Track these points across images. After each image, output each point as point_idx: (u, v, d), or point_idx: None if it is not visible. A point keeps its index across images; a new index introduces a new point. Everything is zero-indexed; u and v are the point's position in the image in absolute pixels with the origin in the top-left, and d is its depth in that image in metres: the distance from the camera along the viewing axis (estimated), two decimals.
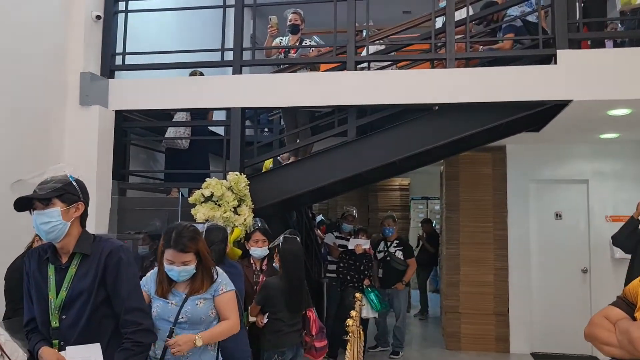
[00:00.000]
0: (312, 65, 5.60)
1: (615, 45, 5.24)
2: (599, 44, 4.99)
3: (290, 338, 3.77)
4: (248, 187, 4.68)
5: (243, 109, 5.08)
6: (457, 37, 4.79)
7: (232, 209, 4.53)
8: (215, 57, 5.31)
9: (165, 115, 5.83)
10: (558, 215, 7.02)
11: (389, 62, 5.59)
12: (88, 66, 5.00)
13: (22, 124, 4.46)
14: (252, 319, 3.89)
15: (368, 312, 6.29)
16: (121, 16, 5.30)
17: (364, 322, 6.41)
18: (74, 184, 2.26)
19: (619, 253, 5.97)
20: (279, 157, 6.00)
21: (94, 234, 2.32)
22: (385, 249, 6.83)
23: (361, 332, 4.68)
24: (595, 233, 6.77)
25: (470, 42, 4.86)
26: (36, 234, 2.98)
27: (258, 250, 4.16)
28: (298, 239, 4.00)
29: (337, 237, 7.06)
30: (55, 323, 2.19)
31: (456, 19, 4.80)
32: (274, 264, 4.07)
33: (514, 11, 5.35)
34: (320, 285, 6.86)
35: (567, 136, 6.22)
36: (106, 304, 2.23)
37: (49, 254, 2.26)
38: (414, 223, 12.00)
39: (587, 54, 4.54)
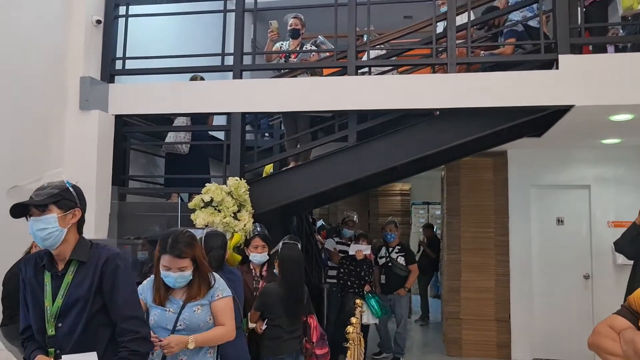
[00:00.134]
0: (313, 70, 5.58)
1: (617, 50, 5.23)
2: (600, 49, 4.98)
3: (290, 345, 3.73)
4: (248, 192, 4.66)
5: (243, 114, 5.06)
6: (458, 42, 4.78)
7: (232, 215, 4.51)
8: (216, 61, 5.30)
9: (166, 120, 5.82)
10: (560, 221, 6.99)
11: (390, 67, 5.57)
12: (88, 71, 4.99)
13: (21, 128, 4.44)
14: (251, 325, 3.86)
15: (369, 318, 6.26)
16: (121, 21, 5.29)
17: (365, 328, 6.38)
18: (71, 189, 2.23)
19: (621, 259, 5.94)
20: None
21: (91, 241, 2.30)
22: (387, 254, 6.80)
23: (361, 338, 4.64)
24: (597, 239, 6.73)
25: (471, 47, 4.85)
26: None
27: (258, 256, 4.13)
28: (298, 245, 3.98)
29: (337, 243, 7.03)
30: (51, 331, 2.17)
31: (457, 24, 4.78)
32: (274, 270, 4.04)
33: (516, 16, 5.34)
34: (321, 291, 6.83)
35: (568, 141, 6.20)
36: (103, 312, 2.20)
37: (45, 261, 2.23)
38: (414, 228, 11.97)
39: (589, 59, 4.51)
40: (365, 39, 5.31)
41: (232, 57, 5.08)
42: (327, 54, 5.47)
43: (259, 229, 4.36)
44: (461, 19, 5.12)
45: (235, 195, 4.56)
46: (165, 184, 5.94)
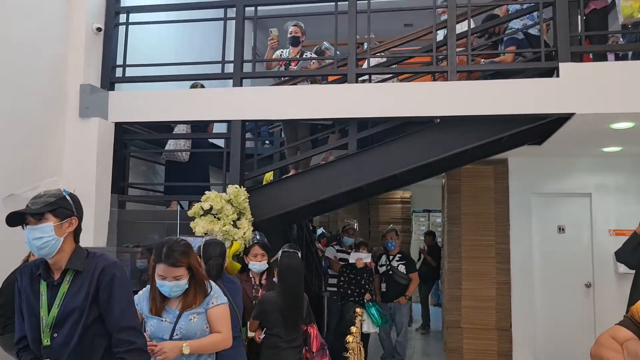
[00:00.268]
0: (313, 78, 5.58)
1: (617, 58, 5.22)
2: (601, 57, 4.97)
3: (288, 354, 3.70)
4: (247, 200, 4.64)
5: (243, 122, 5.05)
6: (458, 49, 4.78)
7: (232, 222, 4.49)
8: (216, 69, 5.30)
9: (166, 128, 5.81)
10: (561, 229, 6.96)
11: (390, 75, 5.56)
12: (88, 78, 4.99)
13: (21, 135, 4.43)
14: (250, 334, 3.83)
15: (369, 327, 6.22)
16: (122, 28, 5.29)
17: (365, 337, 6.34)
18: (68, 198, 2.20)
19: (622, 267, 5.89)
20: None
21: (87, 250, 2.27)
22: (388, 262, 6.77)
23: (361, 348, 4.61)
24: (598, 247, 6.70)
25: (472, 55, 4.84)
26: None
27: (257, 265, 4.10)
28: (298, 254, 3.95)
29: (338, 251, 7.01)
30: (46, 341, 2.13)
31: (458, 32, 4.78)
32: (273, 279, 4.02)
33: (516, 24, 5.34)
34: (321, 300, 6.80)
35: (569, 149, 6.18)
36: (99, 322, 2.17)
37: (41, 270, 2.20)
38: (415, 236, 11.94)
39: (589, 67, 4.51)
40: (365, 46, 5.31)
41: (232, 64, 5.08)
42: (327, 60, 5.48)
43: (258, 237, 4.34)
44: (461, 27, 5.13)
45: (235, 203, 4.54)
46: (165, 192, 5.93)
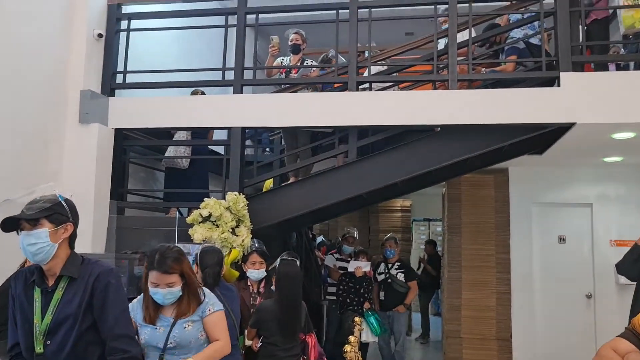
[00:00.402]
0: (314, 86, 5.58)
1: (618, 69, 5.22)
2: (602, 67, 4.96)
3: None
4: (247, 207, 4.62)
5: (243, 129, 5.04)
6: (459, 58, 4.77)
7: (230, 230, 4.47)
8: (217, 76, 5.29)
9: (166, 134, 5.80)
10: (561, 239, 6.93)
11: (391, 83, 5.56)
12: (88, 84, 4.98)
13: (21, 140, 4.42)
14: (247, 342, 3.80)
15: (368, 336, 6.17)
16: (123, 35, 5.29)
17: (364, 346, 6.29)
18: (64, 203, 2.19)
19: (623, 278, 5.83)
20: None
21: (82, 256, 2.25)
22: (387, 270, 6.73)
23: (360, 357, 4.57)
24: (599, 258, 6.66)
25: (472, 63, 4.84)
26: None
27: (255, 273, 4.08)
28: (297, 262, 3.92)
29: (337, 259, 6.98)
30: (39, 349, 2.11)
31: (459, 41, 4.78)
32: (271, 287, 3.99)
33: (517, 33, 5.34)
34: (320, 308, 6.76)
35: (570, 159, 6.17)
36: (92, 330, 2.14)
37: (35, 276, 2.18)
38: (415, 245, 11.90)
39: (590, 77, 4.50)
40: (366, 54, 5.31)
41: (233, 72, 5.08)
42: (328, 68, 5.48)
43: (256, 244, 4.31)
44: (462, 36, 5.13)
45: (234, 210, 4.52)
46: (164, 199, 5.91)
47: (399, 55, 5.60)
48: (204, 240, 4.29)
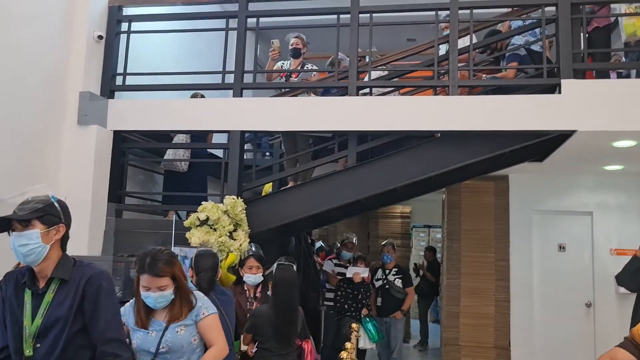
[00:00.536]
0: (314, 90, 5.56)
1: (619, 77, 5.20)
2: (603, 75, 4.94)
3: None
4: (245, 211, 4.59)
5: (242, 132, 5.02)
6: (460, 64, 4.75)
7: (228, 234, 4.44)
8: (217, 79, 5.28)
9: (165, 137, 5.79)
10: (561, 247, 6.89)
11: (392, 89, 5.54)
12: (88, 86, 4.97)
13: (19, 141, 4.40)
14: (243, 347, 3.76)
15: (365, 343, 6.13)
16: (123, 37, 5.28)
17: (362, 353, 6.25)
18: (56, 204, 2.16)
19: (623, 288, 5.83)
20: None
21: (74, 258, 2.22)
22: (384, 276, 6.69)
23: None
24: (599, 266, 6.63)
25: (473, 70, 4.82)
26: None
27: (252, 277, 4.05)
28: (294, 267, 3.89)
29: (336, 265, 6.95)
30: (28, 352, 2.07)
31: (460, 47, 4.76)
32: (268, 292, 3.95)
33: (518, 40, 5.32)
34: (318, 314, 6.72)
35: (571, 167, 6.14)
36: (83, 333, 2.11)
37: (26, 278, 2.15)
38: (415, 251, 11.86)
39: (591, 84, 4.48)
40: (367, 59, 5.29)
41: (233, 75, 5.06)
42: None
43: (253, 249, 4.28)
44: (463, 42, 5.11)
45: (232, 214, 4.50)
46: (162, 202, 5.89)
47: (399, 60, 5.58)
48: (201, 244, 4.27)
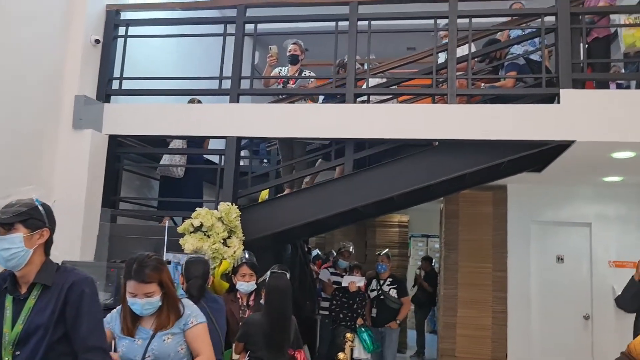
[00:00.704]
0: (311, 97, 5.53)
1: (619, 87, 5.17)
2: (603, 85, 4.91)
3: None
4: (239, 218, 4.54)
5: (238, 139, 4.98)
6: (459, 73, 4.72)
7: (222, 241, 4.38)
8: (214, 85, 5.24)
9: (161, 142, 5.74)
10: (559, 259, 6.84)
11: (390, 96, 5.51)
12: (83, 89, 4.94)
13: (13, 144, 4.37)
14: (235, 356, 3.69)
15: (360, 353, 6.05)
16: (120, 41, 5.25)
17: None
18: (40, 208, 2.11)
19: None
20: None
21: (58, 264, 2.16)
22: (379, 287, 6.62)
23: None
24: (598, 278, 6.57)
25: (472, 78, 4.79)
26: None
27: (245, 285, 3.98)
28: (287, 275, 3.83)
29: (332, 274, 6.88)
30: (8, 359, 2.02)
31: (458, 55, 4.73)
32: (261, 300, 3.89)
33: (517, 49, 5.30)
34: (314, 323, 6.65)
35: (569, 178, 6.10)
36: (64, 341, 2.05)
37: (7, 283, 2.10)
38: (412, 261, 11.78)
39: (591, 95, 4.45)
40: (365, 67, 5.26)
41: (230, 81, 5.03)
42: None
43: (247, 256, 4.22)
44: (462, 51, 5.08)
45: (226, 220, 4.44)
46: (158, 207, 5.84)
47: (398, 68, 5.55)
48: (194, 251, 4.21)
